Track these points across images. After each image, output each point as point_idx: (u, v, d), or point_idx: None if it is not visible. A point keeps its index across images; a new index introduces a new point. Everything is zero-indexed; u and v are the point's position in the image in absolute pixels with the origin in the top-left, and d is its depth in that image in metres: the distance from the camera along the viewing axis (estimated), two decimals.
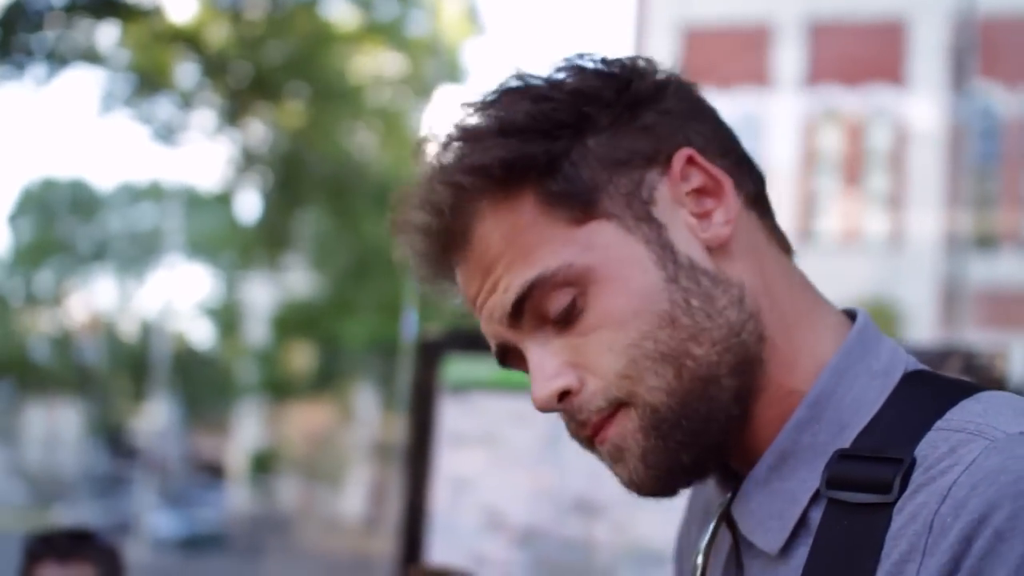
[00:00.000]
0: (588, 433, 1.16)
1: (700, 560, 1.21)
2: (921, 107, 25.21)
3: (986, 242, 24.35)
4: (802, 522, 1.10)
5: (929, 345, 4.03)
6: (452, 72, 18.41)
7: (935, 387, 1.13)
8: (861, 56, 25.47)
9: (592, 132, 1.15)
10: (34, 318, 33.62)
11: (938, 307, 24.08)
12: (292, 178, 16.64)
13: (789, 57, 27.24)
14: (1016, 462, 1.00)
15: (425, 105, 18.71)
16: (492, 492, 3.59)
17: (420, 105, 18.64)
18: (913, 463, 1.05)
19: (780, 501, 1.12)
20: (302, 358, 28.19)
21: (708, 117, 1.21)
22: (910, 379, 1.14)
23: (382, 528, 25.09)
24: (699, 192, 1.17)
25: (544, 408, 1.15)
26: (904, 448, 1.06)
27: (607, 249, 1.13)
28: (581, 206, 1.13)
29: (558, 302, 1.13)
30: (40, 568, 3.07)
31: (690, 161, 1.17)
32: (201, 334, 33.48)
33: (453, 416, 3.64)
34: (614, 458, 1.15)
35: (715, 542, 1.22)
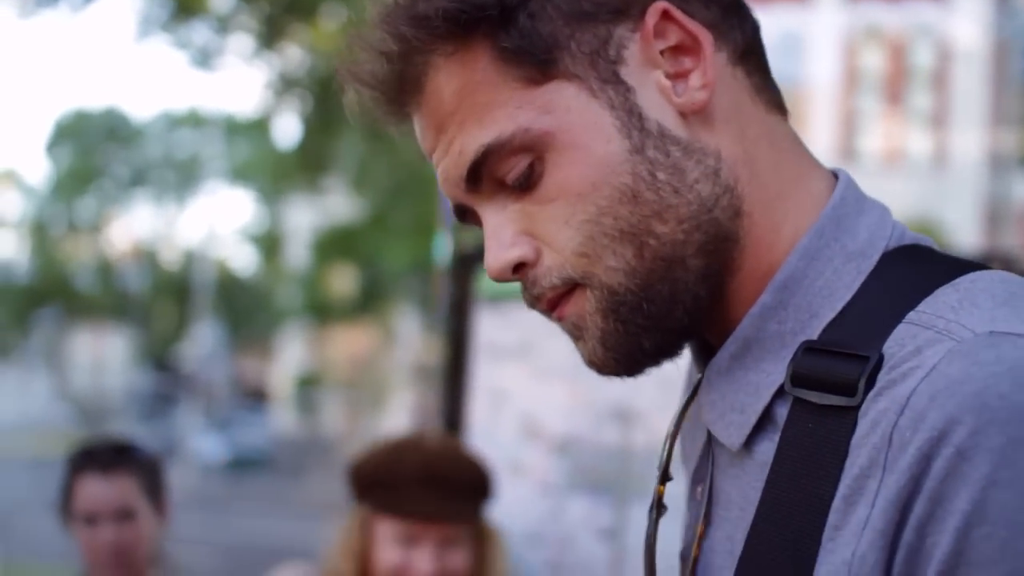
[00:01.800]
0: (544, 307, 1.09)
1: (664, 450, 1.17)
2: (964, 24, 24.90)
3: None
4: (767, 416, 1.03)
5: (970, 253, 4.04)
6: None
7: (916, 268, 1.03)
8: None
9: None
10: (76, 246, 33.80)
11: (981, 226, 23.91)
12: (330, 101, 16.61)
13: None
14: (980, 369, 0.91)
15: None
16: (529, 402, 3.62)
17: None
18: (880, 361, 0.96)
19: (742, 393, 1.04)
20: (343, 281, 28.29)
21: None
22: (892, 258, 1.04)
23: None
24: (675, 50, 1.06)
25: (497, 278, 1.08)
26: (872, 343, 0.97)
27: (567, 113, 1.03)
28: (539, 64, 1.04)
29: (514, 168, 1.05)
30: (83, 479, 3.13)
31: (665, 15, 1.05)
32: (243, 259, 33.62)
33: (490, 328, 3.66)
34: (574, 335, 1.09)
35: (688, 421, 1.18)
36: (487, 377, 3.67)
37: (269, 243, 30.46)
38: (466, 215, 1.11)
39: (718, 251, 1.05)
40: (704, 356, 1.12)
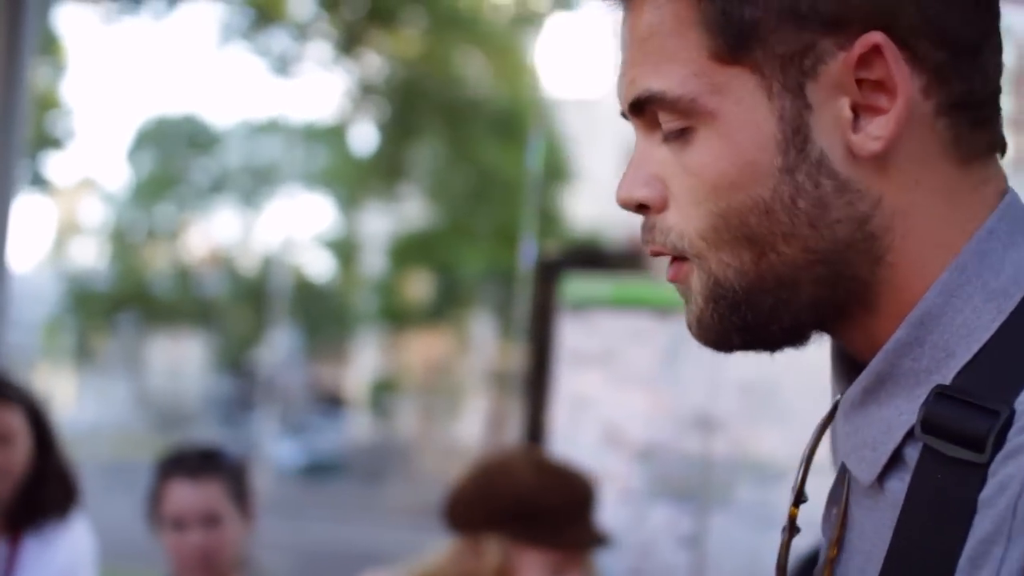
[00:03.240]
0: (650, 254, 1.09)
1: (800, 472, 1.14)
2: None
3: None
4: (898, 455, 1.01)
5: None
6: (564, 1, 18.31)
7: None
8: None
9: None
10: (155, 252, 34.15)
11: None
12: (407, 108, 16.70)
13: None
14: None
15: (539, 32, 18.66)
16: (611, 409, 3.63)
17: (534, 32, 18.59)
18: (1011, 417, 0.92)
19: (874, 429, 1.02)
20: (419, 287, 28.38)
21: None
22: None
23: None
24: (874, 85, 1.00)
25: (621, 205, 1.08)
26: (1003, 396, 0.93)
27: (736, 104, 1.01)
28: (731, 44, 1.01)
29: (670, 124, 1.03)
30: (172, 485, 3.18)
31: (877, 50, 0.99)
32: (319, 265, 33.82)
33: (572, 335, 3.68)
34: (682, 295, 1.09)
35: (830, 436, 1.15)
36: (569, 384, 3.68)
37: (345, 249, 30.62)
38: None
39: (840, 287, 1.03)
40: (846, 377, 1.10)
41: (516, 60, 18.52)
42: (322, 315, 32.28)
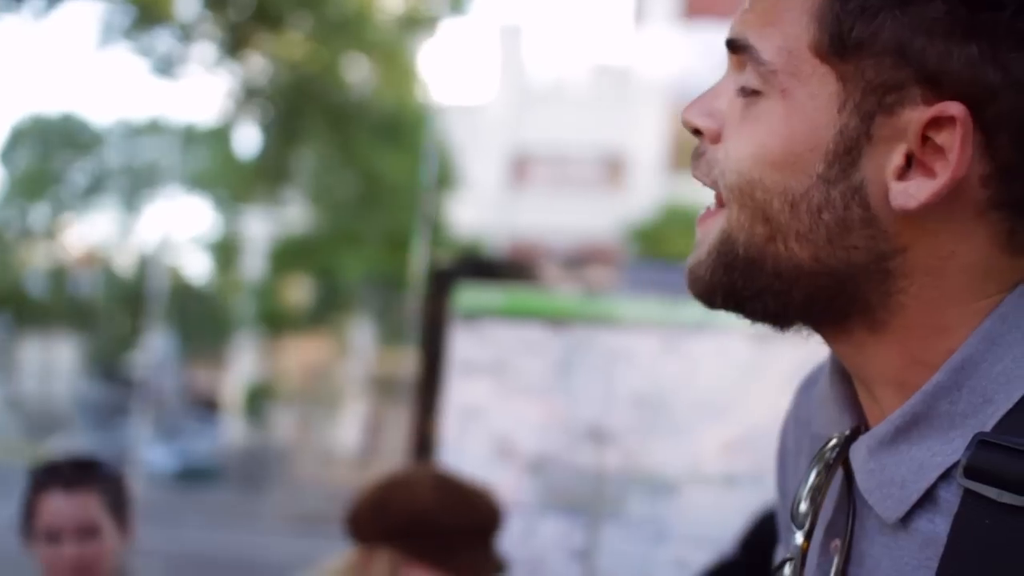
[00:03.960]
0: (695, 178, 1.11)
1: (805, 507, 1.11)
2: None
3: None
4: (927, 495, 1.01)
5: None
6: (456, 4, 18.27)
7: None
8: None
9: (921, 2, 1.00)
10: (30, 252, 33.57)
11: None
12: (292, 111, 16.55)
13: None
14: None
15: (428, 38, 18.61)
16: (502, 420, 3.58)
17: (422, 38, 18.54)
18: None
19: (905, 468, 1.03)
20: (299, 292, 28.21)
21: None
22: None
23: (378, 460, 25.17)
24: (936, 149, 1.00)
25: (683, 123, 1.10)
26: None
27: (810, 98, 1.03)
28: (828, 45, 1.02)
29: (750, 80, 1.05)
30: (46, 497, 3.06)
31: (952, 120, 0.99)
32: (198, 268, 33.48)
33: (464, 345, 3.63)
34: (697, 241, 1.11)
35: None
36: (459, 395, 3.63)
37: (225, 252, 30.37)
38: None
39: (841, 301, 1.05)
40: (846, 406, 1.12)
41: (403, 65, 18.45)
42: (199, 318, 31.97)
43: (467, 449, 3.57)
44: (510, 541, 3.44)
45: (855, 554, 1.08)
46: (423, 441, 3.59)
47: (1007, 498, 0.94)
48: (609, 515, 3.46)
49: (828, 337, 1.08)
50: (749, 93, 1.05)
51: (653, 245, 24.81)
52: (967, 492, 0.98)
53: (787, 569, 1.12)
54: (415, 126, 19.05)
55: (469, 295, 3.62)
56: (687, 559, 3.29)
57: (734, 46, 1.07)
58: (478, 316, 3.61)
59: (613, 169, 31.68)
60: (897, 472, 1.03)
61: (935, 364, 1.02)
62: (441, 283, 3.63)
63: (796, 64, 1.03)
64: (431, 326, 3.64)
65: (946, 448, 1.00)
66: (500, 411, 3.57)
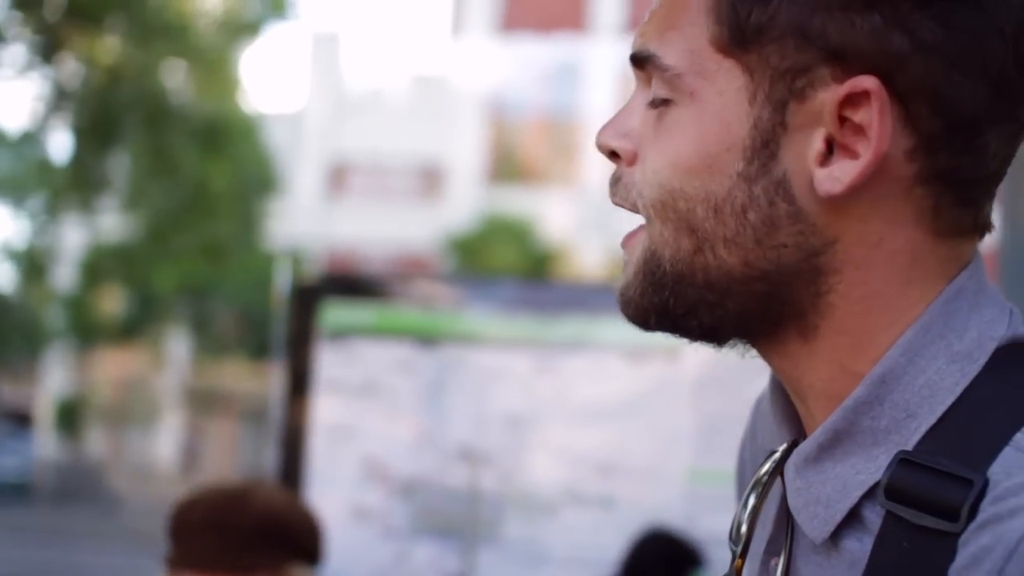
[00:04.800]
0: (614, 203, 1.08)
1: (745, 528, 1.09)
2: None
3: None
4: (854, 514, 0.98)
5: None
6: (277, 11, 18.04)
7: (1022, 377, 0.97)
8: None
9: None
10: None
11: None
12: (107, 117, 16.15)
13: (609, 4, 27.41)
14: None
15: (248, 44, 18.36)
16: (372, 442, 3.49)
17: (242, 43, 18.27)
18: (985, 487, 0.91)
19: (829, 487, 0.99)
20: (112, 303, 27.59)
21: (976, 60, 0.96)
22: (1000, 362, 0.98)
23: (196, 475, 24.72)
24: (855, 128, 0.96)
25: (596, 147, 1.08)
26: (975, 465, 0.92)
27: (718, 96, 0.99)
28: (729, 37, 0.99)
29: (657, 90, 1.02)
30: None
31: (866, 95, 0.95)
32: (5, 278, 32.50)
33: (331, 364, 3.52)
34: (624, 264, 1.07)
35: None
36: (326, 416, 3.52)
37: (34, 262, 29.57)
38: None
39: (775, 308, 1.01)
40: (789, 421, 1.08)
41: (223, 71, 18.15)
42: (7, 330, 31.02)
43: (336, 473, 3.46)
44: (383, 567, 3.35)
45: (792, 572, 1.05)
46: (290, 465, 3.46)
47: (925, 520, 0.92)
48: (485, 538, 3.38)
49: (764, 350, 1.05)
50: (659, 104, 1.02)
51: (471, 256, 24.86)
52: (888, 513, 0.95)
53: None
54: (235, 133, 18.77)
55: (335, 313, 3.51)
56: None
57: (637, 60, 1.04)
58: (345, 334, 3.51)
59: (431, 179, 31.63)
60: (822, 491, 1.00)
61: (862, 374, 0.99)
62: (306, 300, 3.52)
63: (700, 63, 1.00)
64: (296, 344, 3.53)
65: (869, 466, 0.97)
66: (370, 433, 3.47)
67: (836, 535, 0.99)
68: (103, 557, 18.89)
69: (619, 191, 1.06)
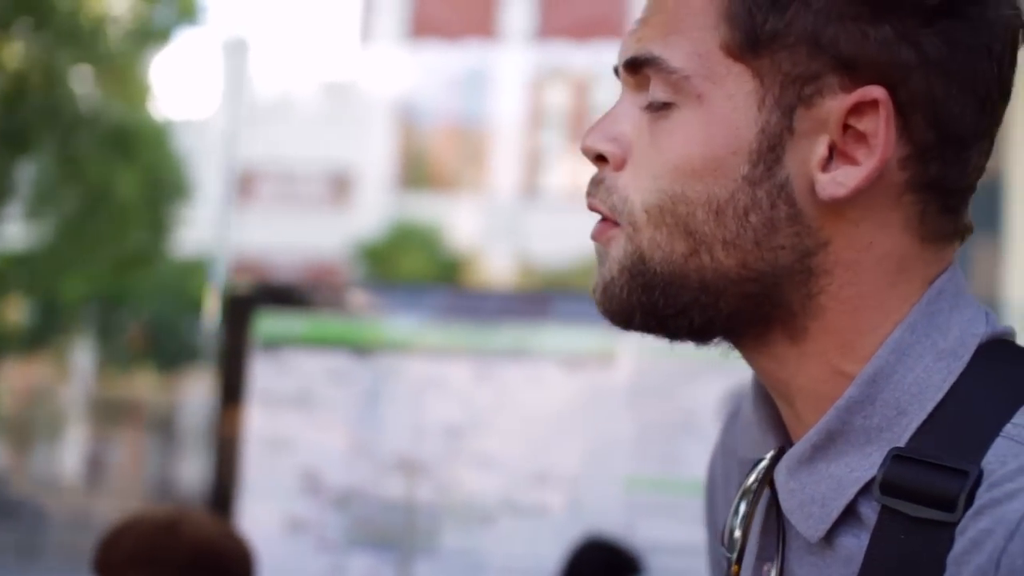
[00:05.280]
0: (590, 207, 1.08)
1: (738, 534, 1.11)
2: None
3: None
4: (849, 511, 1.01)
5: None
6: (187, 16, 17.84)
7: (1007, 371, 1.01)
8: (589, 13, 25.87)
9: None
10: None
11: None
12: (14, 123, 15.90)
13: (518, 12, 27.46)
14: None
15: (158, 50, 18.16)
16: (306, 453, 3.46)
17: (153, 50, 18.06)
18: (980, 476, 0.93)
19: (824, 486, 1.02)
20: (15, 313, 27.14)
21: (969, 78, 1.01)
22: (984, 358, 1.01)
23: (102, 487, 24.40)
24: (857, 136, 1.00)
25: (582, 152, 1.08)
26: (968, 456, 0.95)
27: (727, 99, 1.01)
28: (742, 42, 1.01)
29: (658, 94, 1.03)
30: None
31: (873, 104, 0.99)
32: None
33: (264, 374, 3.49)
34: (598, 256, 1.08)
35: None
36: (260, 427, 3.48)
37: None
38: None
39: (765, 308, 1.03)
40: (775, 428, 1.10)
41: (133, 78, 17.93)
42: None
43: (271, 484, 3.42)
44: None
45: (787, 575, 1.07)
46: (223, 478, 3.42)
47: (922, 512, 0.95)
48: (421, 549, 3.36)
49: (750, 351, 1.07)
50: (659, 107, 1.03)
51: (381, 264, 24.74)
52: (884, 507, 0.98)
53: None
54: (145, 140, 18.55)
55: (269, 323, 3.47)
56: None
57: (635, 64, 1.05)
58: (279, 345, 3.47)
59: (340, 187, 31.46)
60: (817, 490, 1.02)
61: (852, 375, 1.02)
62: (239, 310, 3.48)
63: (709, 67, 1.01)
64: (229, 355, 3.49)
65: (863, 463, 1.00)
66: (305, 444, 3.44)
67: (831, 533, 1.01)
68: (6, 574, 18.58)
69: (599, 194, 1.07)
